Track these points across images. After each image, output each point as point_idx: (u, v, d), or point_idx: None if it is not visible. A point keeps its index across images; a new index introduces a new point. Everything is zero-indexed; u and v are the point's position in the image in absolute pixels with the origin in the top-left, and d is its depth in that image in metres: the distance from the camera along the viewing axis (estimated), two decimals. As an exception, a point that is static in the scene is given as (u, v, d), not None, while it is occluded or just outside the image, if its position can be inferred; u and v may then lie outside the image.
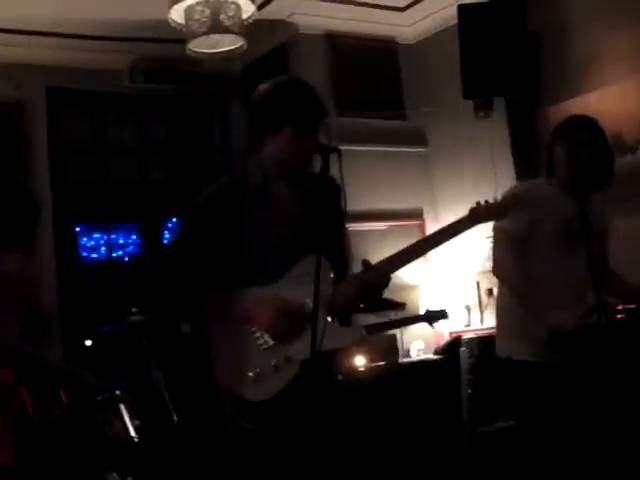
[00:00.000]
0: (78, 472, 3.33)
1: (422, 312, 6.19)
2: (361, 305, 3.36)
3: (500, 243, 3.92)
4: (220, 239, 3.02)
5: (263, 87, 3.08)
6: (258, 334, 2.97)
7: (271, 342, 2.96)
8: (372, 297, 3.07)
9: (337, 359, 3.13)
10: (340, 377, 3.17)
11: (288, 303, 2.93)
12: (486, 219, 3.12)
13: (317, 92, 3.08)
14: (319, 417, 2.81)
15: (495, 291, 6.42)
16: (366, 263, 3.01)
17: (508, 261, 3.86)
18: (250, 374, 2.91)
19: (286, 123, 2.99)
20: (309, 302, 2.86)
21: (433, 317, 4.35)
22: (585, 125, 3.91)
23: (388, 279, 3.02)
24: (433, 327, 4.42)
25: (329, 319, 2.91)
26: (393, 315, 6.28)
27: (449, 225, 3.07)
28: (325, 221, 2.98)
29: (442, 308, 4.32)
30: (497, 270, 3.95)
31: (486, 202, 3.11)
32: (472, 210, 3.09)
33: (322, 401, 2.87)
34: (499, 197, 3.19)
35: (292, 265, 3.00)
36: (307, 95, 3.06)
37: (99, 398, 4.48)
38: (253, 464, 2.97)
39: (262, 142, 3.07)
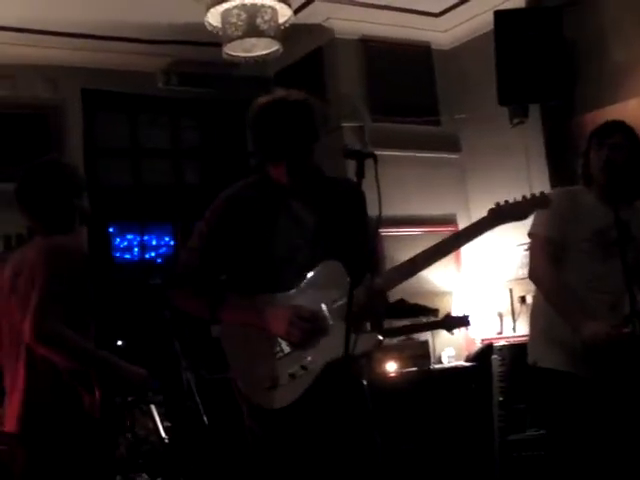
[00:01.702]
0: (109, 473, 3.34)
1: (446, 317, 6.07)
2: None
3: (536, 249, 3.89)
4: (239, 239, 3.01)
5: (255, 108, 3.07)
6: (274, 341, 2.94)
7: (287, 350, 2.93)
8: (370, 318, 3.00)
9: (364, 366, 3.11)
10: (364, 382, 3.14)
11: (303, 310, 2.90)
12: (507, 219, 3.07)
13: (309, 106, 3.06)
14: (340, 423, 2.79)
15: (528, 299, 6.47)
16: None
17: (543, 266, 3.82)
18: (266, 382, 2.89)
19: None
20: (325, 308, 2.85)
21: (453, 324, 4.25)
22: (619, 129, 3.87)
23: (380, 299, 2.98)
24: (452, 334, 4.30)
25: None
26: (424, 321, 6.27)
27: (468, 227, 3.06)
28: (345, 227, 2.98)
29: (465, 314, 4.21)
30: (532, 275, 3.91)
31: (506, 202, 3.08)
32: (491, 210, 3.07)
33: (345, 407, 2.84)
34: (527, 195, 3.15)
35: (309, 270, 2.98)
36: (289, 95, 3.05)
37: (129, 399, 4.50)
38: (271, 472, 2.96)
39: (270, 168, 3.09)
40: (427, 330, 6.10)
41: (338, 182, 3.13)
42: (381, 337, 2.98)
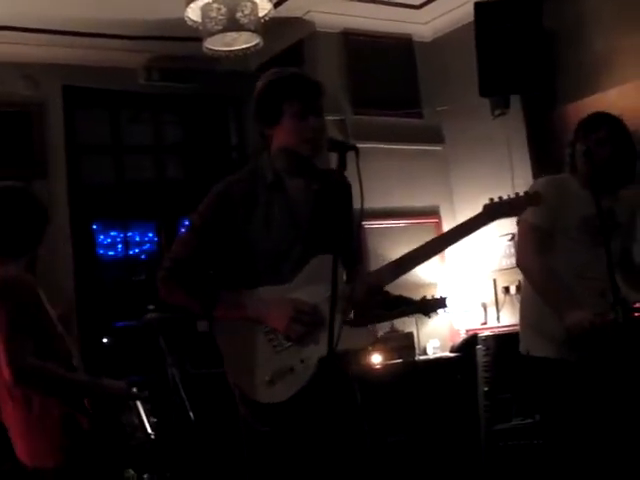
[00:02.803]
0: (98, 470, 3.34)
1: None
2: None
3: (523, 235, 3.91)
4: (233, 233, 3.00)
5: (258, 84, 3.09)
6: (272, 335, 2.93)
7: (286, 344, 2.92)
8: (362, 311, 3.01)
9: (351, 360, 3.11)
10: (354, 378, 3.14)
11: (303, 304, 2.90)
12: (500, 216, 3.09)
13: (308, 75, 3.11)
14: (334, 417, 2.79)
15: (512, 289, 6.51)
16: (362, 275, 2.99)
17: (530, 254, 3.84)
18: (265, 377, 2.88)
19: (285, 107, 3.00)
20: (322, 303, 2.85)
21: (430, 307, 4.19)
22: (605, 122, 3.89)
23: (376, 295, 3.00)
24: (430, 317, 4.28)
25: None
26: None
27: (463, 223, 3.06)
28: (337, 220, 2.98)
29: (442, 296, 4.18)
30: (520, 262, 3.93)
31: (500, 198, 3.10)
32: (486, 207, 3.08)
33: (337, 401, 2.85)
34: (512, 194, 3.17)
35: (303, 265, 2.97)
36: (298, 76, 3.08)
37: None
38: (268, 466, 2.94)
39: (271, 137, 3.08)
40: (403, 316, 6.08)
41: (327, 173, 3.12)
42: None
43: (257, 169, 3.11)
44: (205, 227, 3.04)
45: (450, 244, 3.06)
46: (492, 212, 3.06)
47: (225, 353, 2.98)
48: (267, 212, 3.02)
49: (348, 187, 3.09)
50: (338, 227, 2.99)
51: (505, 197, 3.11)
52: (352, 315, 2.94)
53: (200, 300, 3.01)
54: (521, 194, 3.17)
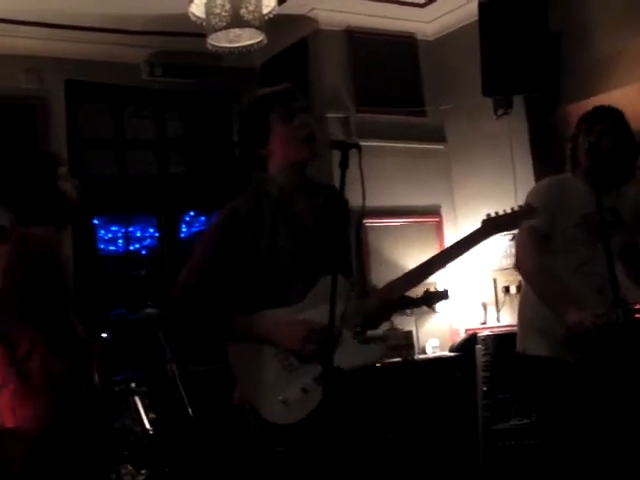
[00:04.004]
0: (94, 465, 3.34)
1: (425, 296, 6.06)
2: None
3: (522, 237, 3.90)
4: (243, 255, 2.97)
5: (240, 109, 3.12)
6: (282, 356, 2.91)
7: (297, 364, 2.90)
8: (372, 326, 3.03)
9: (358, 377, 3.10)
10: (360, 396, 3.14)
11: (316, 325, 2.86)
12: (497, 231, 3.10)
13: (279, 86, 3.10)
14: (346, 434, 2.83)
15: (512, 289, 6.51)
16: (371, 289, 3.00)
17: (529, 256, 3.84)
18: (279, 398, 2.86)
19: (271, 118, 3.00)
20: (336, 323, 2.84)
21: (432, 299, 4.24)
22: (609, 115, 3.89)
23: (389, 310, 3.01)
24: (433, 309, 4.33)
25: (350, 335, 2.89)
26: (408, 312, 6.27)
27: (462, 238, 3.07)
28: (338, 237, 2.97)
29: (444, 288, 4.23)
30: (518, 262, 3.93)
31: (496, 213, 3.11)
32: (484, 222, 3.09)
33: (347, 419, 2.89)
34: (513, 198, 3.18)
35: (311, 283, 2.95)
36: (271, 90, 3.08)
37: (116, 389, 4.50)
38: None
39: (267, 156, 3.06)
40: (406, 308, 6.09)
41: (323, 188, 3.12)
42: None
43: (261, 188, 3.08)
44: (216, 250, 3.00)
45: (451, 260, 3.07)
46: (490, 226, 3.07)
47: (238, 374, 2.96)
48: (274, 231, 2.99)
49: (345, 202, 3.07)
50: (339, 242, 2.99)
51: (501, 212, 3.11)
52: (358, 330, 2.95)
53: (211, 326, 3.00)
54: (516, 208, 3.18)
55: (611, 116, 3.90)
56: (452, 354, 6.63)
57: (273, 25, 5.62)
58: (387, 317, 3.08)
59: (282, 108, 2.99)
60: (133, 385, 4.60)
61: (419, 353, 6.65)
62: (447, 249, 3.13)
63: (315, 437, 2.80)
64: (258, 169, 3.11)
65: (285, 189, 3.05)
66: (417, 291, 3.13)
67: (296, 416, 2.85)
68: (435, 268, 3.04)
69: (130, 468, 4.55)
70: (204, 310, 2.98)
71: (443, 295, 4.76)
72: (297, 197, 3.06)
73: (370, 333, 3.00)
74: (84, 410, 3.24)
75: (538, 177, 6.15)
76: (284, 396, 2.87)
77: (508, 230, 3.16)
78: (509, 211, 3.14)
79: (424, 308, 4.10)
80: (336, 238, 2.95)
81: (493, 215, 3.10)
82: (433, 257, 3.07)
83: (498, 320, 6.74)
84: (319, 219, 3.06)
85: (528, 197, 3.80)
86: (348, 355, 2.78)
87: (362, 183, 2.76)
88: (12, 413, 3.19)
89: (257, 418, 2.91)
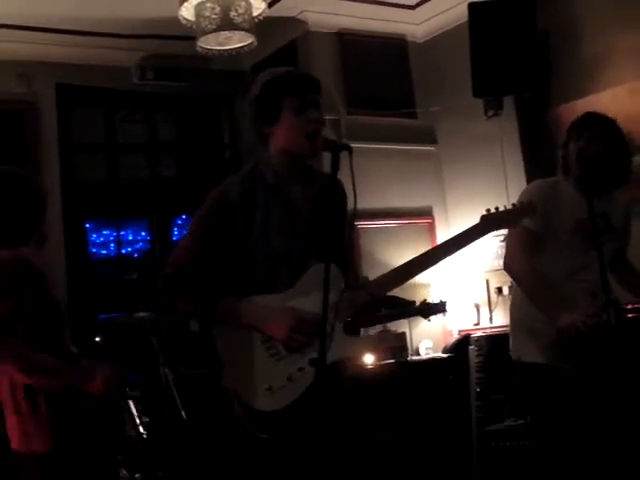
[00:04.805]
0: (92, 468, 3.34)
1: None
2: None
3: (513, 238, 3.89)
4: (233, 238, 2.97)
5: (253, 86, 3.08)
6: (269, 344, 2.91)
7: (284, 352, 2.89)
8: (363, 317, 3.03)
9: (347, 368, 3.08)
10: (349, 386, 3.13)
11: (304, 313, 2.86)
12: (495, 228, 3.09)
13: (304, 72, 3.12)
14: (331, 424, 2.77)
15: (505, 290, 6.51)
16: (363, 281, 2.99)
17: (518, 257, 3.83)
18: (264, 385, 2.85)
19: (284, 103, 2.99)
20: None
21: (430, 311, 4.21)
22: (598, 121, 3.89)
23: (378, 304, 3.01)
24: (429, 320, 4.31)
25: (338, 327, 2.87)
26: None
27: (460, 233, 3.06)
28: (334, 226, 2.97)
29: (442, 300, 4.20)
30: (508, 265, 3.91)
31: (496, 209, 3.09)
32: (483, 217, 3.08)
33: (333, 409, 2.85)
34: (505, 196, 3.18)
35: (302, 270, 2.95)
36: (294, 73, 3.08)
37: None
38: (266, 474, 2.92)
39: (269, 136, 3.06)
40: (403, 318, 6.10)
41: (323, 177, 3.11)
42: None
43: (256, 170, 3.08)
44: (205, 232, 3.01)
45: (447, 255, 3.05)
46: (489, 222, 3.07)
47: (224, 359, 2.95)
48: (266, 216, 2.99)
49: (343, 191, 3.09)
50: (335, 232, 2.98)
51: (501, 208, 3.10)
52: (348, 320, 2.94)
53: (200, 308, 2.99)
54: (517, 205, 3.17)
55: (600, 122, 3.90)
56: (445, 355, 6.63)
57: (263, 27, 5.62)
58: (375, 311, 3.06)
59: (297, 98, 2.99)
60: (127, 389, 4.59)
61: (412, 354, 6.65)
62: (443, 244, 3.10)
63: (298, 425, 2.82)
64: (261, 145, 3.10)
65: (280, 174, 3.05)
66: (415, 297, 3.14)
67: (280, 403, 2.85)
68: (430, 263, 3.03)
69: (124, 472, 4.54)
70: (194, 291, 2.98)
71: (440, 308, 4.79)
72: (293, 183, 3.06)
73: (363, 334, 3.00)
74: (89, 426, 3.24)
75: (529, 178, 6.16)
76: (269, 384, 2.86)
77: (507, 227, 3.15)
78: (509, 207, 3.13)
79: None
80: (332, 227, 2.94)
81: (493, 211, 3.09)
82: (428, 251, 3.07)
83: (491, 321, 6.74)
84: (315, 207, 3.05)
85: (521, 198, 3.79)
86: (337, 346, 2.75)
87: (353, 185, 2.76)
88: (26, 438, 3.20)
89: (241, 404, 2.91)
